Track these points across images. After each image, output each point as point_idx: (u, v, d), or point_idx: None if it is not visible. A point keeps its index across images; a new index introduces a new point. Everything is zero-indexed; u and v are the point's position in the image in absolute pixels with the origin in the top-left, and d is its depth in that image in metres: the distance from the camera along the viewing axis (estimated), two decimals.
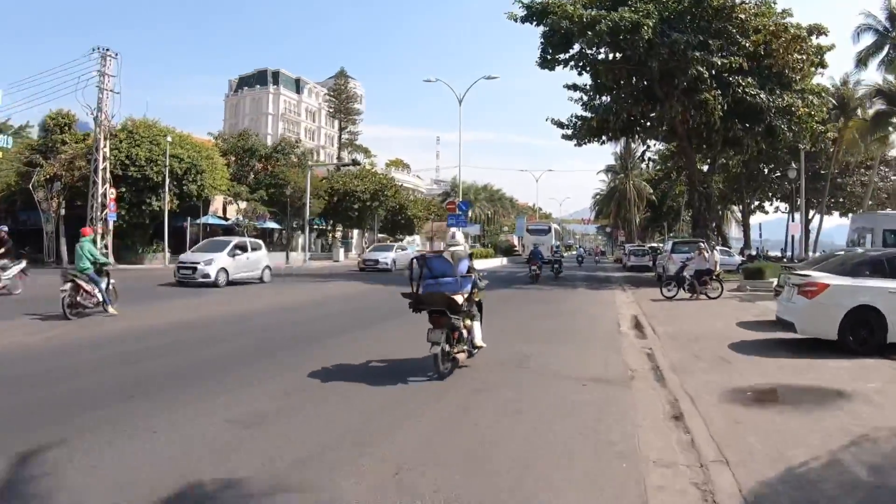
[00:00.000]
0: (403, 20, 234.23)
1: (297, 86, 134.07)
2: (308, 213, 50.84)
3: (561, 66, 34.17)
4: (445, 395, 8.20)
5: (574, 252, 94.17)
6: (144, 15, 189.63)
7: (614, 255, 73.56)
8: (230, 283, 26.24)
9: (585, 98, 36.18)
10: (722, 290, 24.29)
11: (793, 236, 48.47)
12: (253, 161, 58.91)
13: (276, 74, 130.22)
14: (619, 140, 54.28)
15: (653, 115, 34.74)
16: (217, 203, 54.39)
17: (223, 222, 52.83)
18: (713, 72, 30.61)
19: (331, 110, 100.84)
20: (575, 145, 39.34)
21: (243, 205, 54.50)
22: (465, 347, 9.57)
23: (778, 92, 31.76)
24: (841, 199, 64.55)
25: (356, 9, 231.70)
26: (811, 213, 63.81)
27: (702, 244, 27.13)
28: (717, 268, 25.16)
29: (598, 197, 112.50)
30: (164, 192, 40.25)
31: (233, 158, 56.62)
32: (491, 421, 7.03)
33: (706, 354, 11.57)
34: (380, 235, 74.97)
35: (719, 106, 30.79)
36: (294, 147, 61.61)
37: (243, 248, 27.90)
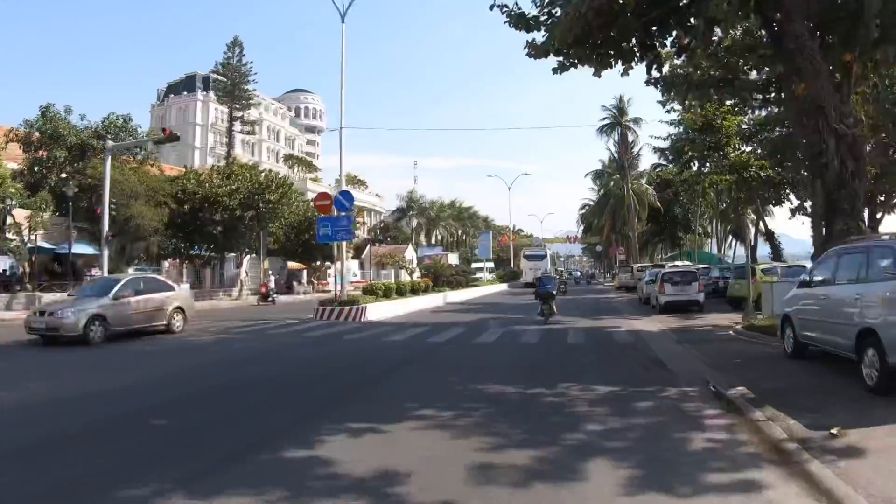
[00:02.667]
0: (382, 36, 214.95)
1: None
2: (106, 226, 28.22)
3: None
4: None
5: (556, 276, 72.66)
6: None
7: (617, 280, 51.03)
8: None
9: None
10: None
11: None
12: (58, 153, 36.56)
13: (206, 80, 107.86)
14: (636, 61, 31.69)
15: None
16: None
17: None
18: None
19: (219, 94, 77.46)
20: (554, 71, 17.00)
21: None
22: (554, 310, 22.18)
23: None
24: None
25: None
26: None
27: None
28: None
29: (585, 209, 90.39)
30: None
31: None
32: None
33: None
34: (291, 263, 52.47)
35: None
36: (129, 131, 39.10)
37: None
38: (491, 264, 72.86)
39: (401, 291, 30.39)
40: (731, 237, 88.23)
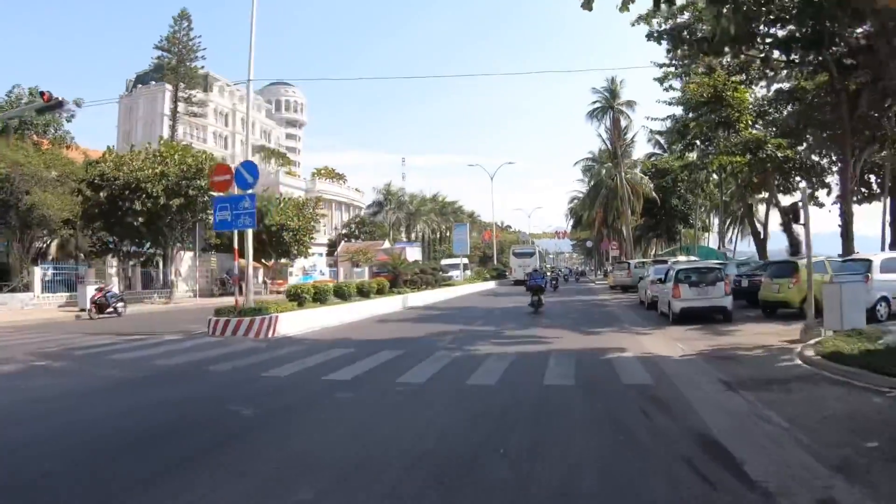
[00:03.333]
0: (371, 32, 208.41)
1: (206, 83, 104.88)
2: None
3: None
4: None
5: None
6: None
7: (611, 279, 44.49)
8: None
9: None
10: None
11: None
12: None
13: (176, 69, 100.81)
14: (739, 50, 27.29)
15: None
16: None
17: None
18: None
19: (166, 72, 70.41)
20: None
21: None
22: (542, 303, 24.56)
23: None
24: None
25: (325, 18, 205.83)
26: None
27: None
28: None
29: (574, 202, 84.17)
30: None
31: None
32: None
33: None
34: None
35: None
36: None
37: None
38: (465, 260, 66.00)
39: (342, 294, 24.04)
40: (733, 230, 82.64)
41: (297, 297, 20.82)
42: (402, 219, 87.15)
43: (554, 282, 44.54)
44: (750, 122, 36.86)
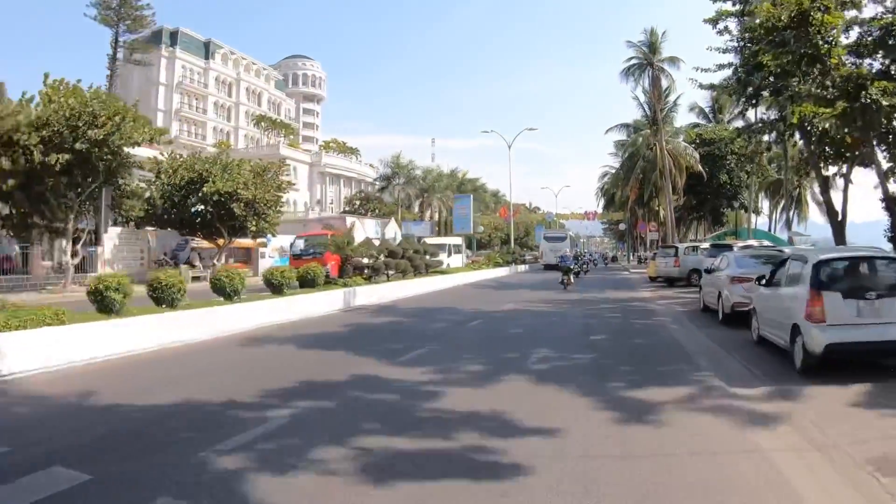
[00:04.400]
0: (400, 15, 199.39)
1: (207, 50, 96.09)
2: None
3: None
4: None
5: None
6: None
7: (651, 267, 33.47)
8: None
9: None
10: None
11: None
12: None
13: (174, 35, 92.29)
14: None
15: None
16: None
17: None
18: None
19: (101, 10, 59.63)
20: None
21: None
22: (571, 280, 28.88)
23: None
24: None
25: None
26: None
27: None
28: None
29: (606, 178, 73.60)
30: None
31: None
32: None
33: None
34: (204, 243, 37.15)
35: None
36: None
37: None
38: (458, 241, 55.18)
39: (227, 293, 14.44)
40: (788, 212, 71.10)
41: (100, 300, 11.31)
42: (412, 195, 77.24)
43: (585, 266, 45.54)
44: (841, 57, 26.38)
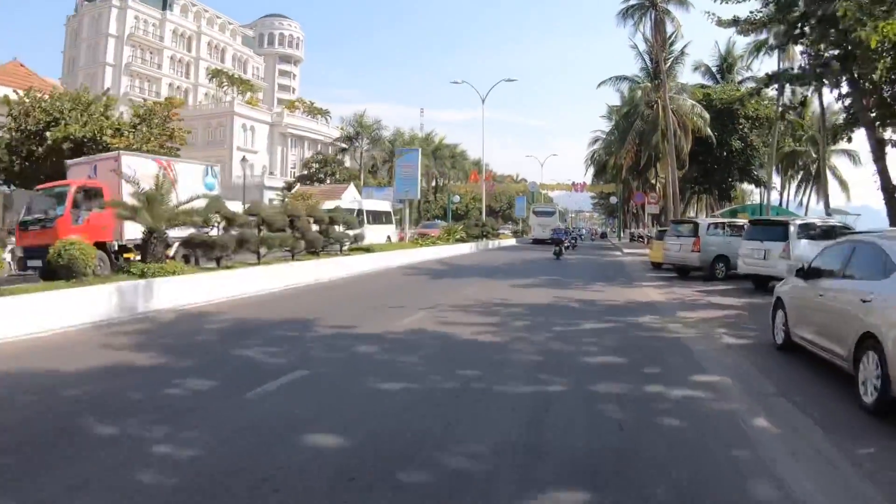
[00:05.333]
0: None
1: (164, 1, 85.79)
2: None
3: None
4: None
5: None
6: None
7: (655, 249, 24.24)
8: None
9: None
10: None
11: None
12: None
13: None
14: None
15: None
16: None
17: None
18: None
19: None
20: None
21: None
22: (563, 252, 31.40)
23: None
24: None
25: None
26: None
27: None
28: None
29: (597, 144, 64.73)
30: None
31: None
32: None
33: None
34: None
35: None
36: None
37: None
38: (384, 205, 41.04)
39: None
40: (802, 188, 62.29)
41: None
42: (378, 159, 68.00)
43: (573, 241, 45.08)
44: None
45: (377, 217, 35.89)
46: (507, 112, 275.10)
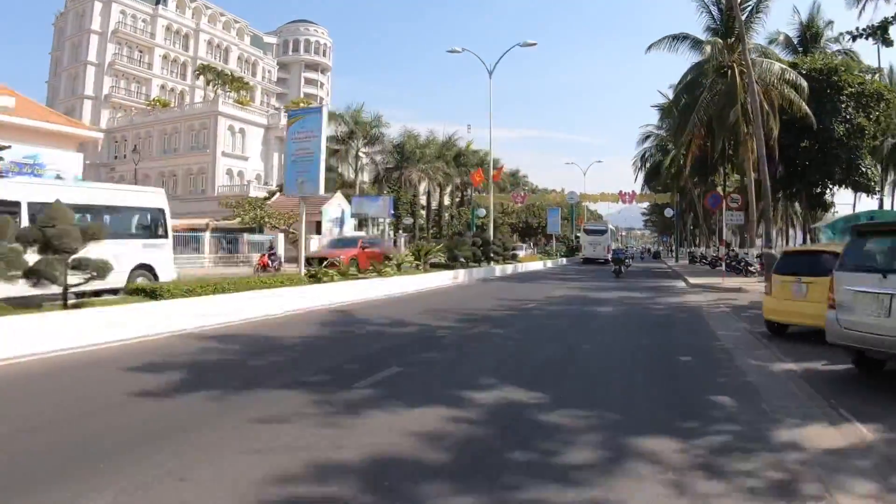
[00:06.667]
0: None
1: None
2: None
3: None
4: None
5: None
6: None
7: (778, 294, 10.27)
8: None
9: None
10: None
11: None
12: None
13: None
14: None
15: None
16: None
17: None
18: None
19: None
20: None
21: None
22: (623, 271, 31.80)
23: None
24: None
25: None
26: None
27: None
28: None
29: (648, 142, 51.71)
30: None
31: None
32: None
33: None
34: None
35: None
36: None
37: None
38: (158, 200, 15.76)
39: None
40: None
41: None
42: (381, 164, 56.07)
43: (628, 261, 40.31)
44: None
45: (120, 222, 15.83)
46: (555, 130, 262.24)
